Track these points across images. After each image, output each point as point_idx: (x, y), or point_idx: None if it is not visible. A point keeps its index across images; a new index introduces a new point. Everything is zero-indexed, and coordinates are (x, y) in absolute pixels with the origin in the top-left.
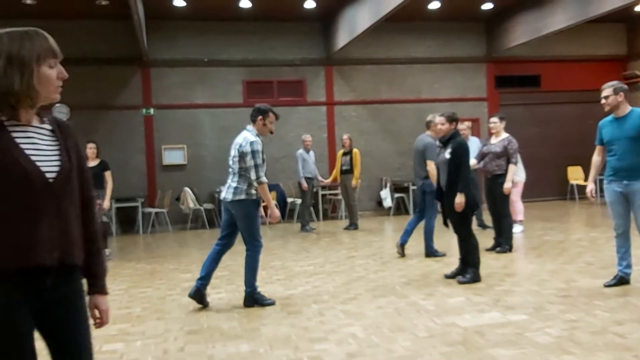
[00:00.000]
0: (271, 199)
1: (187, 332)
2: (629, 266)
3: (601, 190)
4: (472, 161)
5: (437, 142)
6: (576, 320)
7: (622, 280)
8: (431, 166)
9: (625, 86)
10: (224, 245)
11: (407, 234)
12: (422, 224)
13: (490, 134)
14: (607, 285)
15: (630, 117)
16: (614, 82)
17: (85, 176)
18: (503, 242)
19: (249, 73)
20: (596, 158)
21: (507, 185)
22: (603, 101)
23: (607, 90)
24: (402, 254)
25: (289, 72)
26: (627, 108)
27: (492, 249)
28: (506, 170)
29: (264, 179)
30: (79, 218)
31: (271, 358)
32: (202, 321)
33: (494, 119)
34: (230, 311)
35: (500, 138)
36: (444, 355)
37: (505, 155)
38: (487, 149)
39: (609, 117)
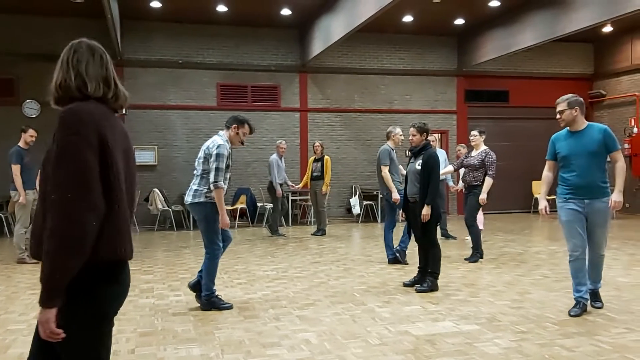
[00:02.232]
0: (223, 205)
1: (140, 334)
2: (587, 292)
3: (551, 207)
4: (445, 169)
5: (407, 152)
6: (526, 331)
7: (585, 307)
8: (384, 171)
9: (581, 99)
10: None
11: (390, 245)
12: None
13: (457, 150)
14: (575, 315)
15: (589, 132)
16: (569, 96)
17: (47, 170)
18: (474, 252)
19: (223, 76)
20: (548, 174)
21: (482, 196)
22: (558, 116)
23: (561, 104)
24: (404, 262)
25: (264, 77)
26: (583, 122)
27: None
28: (483, 182)
29: (220, 184)
30: (41, 213)
31: None
32: (157, 323)
33: (474, 132)
34: (186, 314)
35: (479, 151)
36: None
37: (483, 167)
38: (467, 162)
39: (564, 132)
